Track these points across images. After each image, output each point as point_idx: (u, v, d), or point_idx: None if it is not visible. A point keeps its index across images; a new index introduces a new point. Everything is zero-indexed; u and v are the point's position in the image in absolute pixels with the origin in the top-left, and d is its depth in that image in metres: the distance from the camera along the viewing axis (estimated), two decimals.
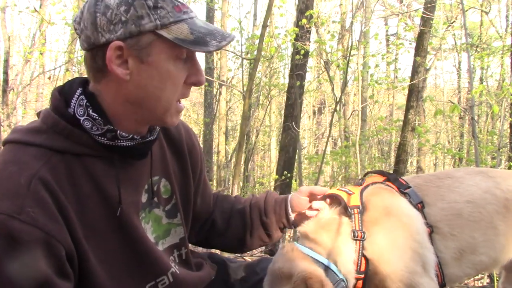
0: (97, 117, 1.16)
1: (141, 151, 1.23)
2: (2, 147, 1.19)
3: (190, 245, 1.49)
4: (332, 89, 7.24)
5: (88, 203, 1.14)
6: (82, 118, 1.16)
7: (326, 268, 1.39)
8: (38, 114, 1.23)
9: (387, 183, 1.57)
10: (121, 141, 1.18)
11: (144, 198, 1.29)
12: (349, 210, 1.47)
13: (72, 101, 1.17)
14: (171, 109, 1.20)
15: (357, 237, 1.43)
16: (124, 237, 1.20)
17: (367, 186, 1.56)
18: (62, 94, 1.19)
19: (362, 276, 1.44)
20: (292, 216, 1.61)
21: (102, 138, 1.16)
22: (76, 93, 1.19)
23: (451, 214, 1.54)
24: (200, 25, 1.16)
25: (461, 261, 1.54)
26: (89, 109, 1.16)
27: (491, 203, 1.58)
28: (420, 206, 1.53)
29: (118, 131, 1.16)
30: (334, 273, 1.40)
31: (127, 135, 1.18)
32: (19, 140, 1.14)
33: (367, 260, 1.44)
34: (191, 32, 1.14)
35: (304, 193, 1.61)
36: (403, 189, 1.54)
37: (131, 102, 1.17)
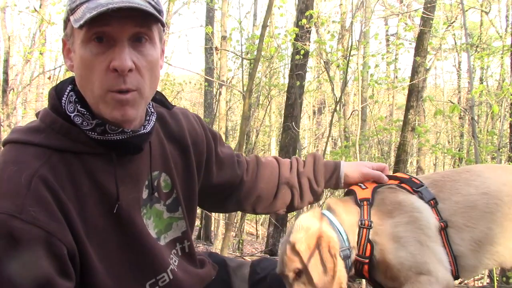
0: (85, 112, 1.16)
1: (134, 145, 1.22)
2: (2, 147, 1.19)
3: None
4: (332, 89, 7.22)
5: (88, 201, 1.14)
6: (72, 115, 1.16)
7: (338, 233, 1.50)
8: (37, 115, 1.23)
9: (402, 184, 1.63)
10: (111, 135, 1.17)
11: (145, 194, 1.29)
12: (359, 201, 1.56)
13: (63, 98, 1.18)
14: (106, 99, 1.13)
15: (364, 225, 1.51)
16: (123, 234, 1.20)
17: (382, 185, 1.63)
18: (57, 93, 1.21)
19: (367, 261, 1.50)
20: (342, 185, 1.69)
21: (93, 133, 1.16)
22: (67, 90, 1.20)
23: (465, 207, 1.56)
24: (100, 2, 1.08)
25: (479, 252, 1.56)
26: (77, 104, 1.17)
27: (509, 194, 1.58)
28: (433, 202, 1.57)
29: (107, 125, 1.16)
30: (343, 240, 1.50)
31: (116, 128, 1.17)
32: (19, 140, 1.15)
33: (372, 246, 1.50)
34: (83, 10, 1.09)
35: (363, 177, 1.67)
36: (416, 187, 1.59)
37: (82, 94, 1.18)
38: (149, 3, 1.13)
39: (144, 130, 1.23)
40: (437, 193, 1.59)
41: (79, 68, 1.14)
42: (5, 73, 9.57)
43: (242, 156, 1.68)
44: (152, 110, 1.31)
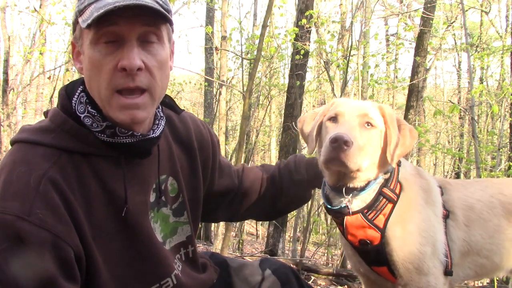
0: (95, 113, 1.15)
1: (144, 149, 1.22)
2: (10, 146, 1.19)
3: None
4: (332, 89, 7.21)
5: (95, 203, 1.14)
6: (82, 115, 1.16)
7: None
8: (45, 114, 1.22)
9: None
10: (121, 138, 1.17)
11: (152, 197, 1.28)
12: None
13: (73, 99, 1.18)
14: (111, 102, 1.13)
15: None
16: (130, 238, 1.19)
17: None
18: (67, 93, 1.20)
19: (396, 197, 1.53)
20: None
21: (103, 135, 1.15)
22: (78, 91, 1.19)
23: (465, 205, 1.62)
24: (107, 1, 1.07)
25: (465, 258, 1.59)
26: (88, 106, 1.16)
27: (497, 206, 1.65)
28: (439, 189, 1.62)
29: (117, 128, 1.16)
30: None
31: (126, 131, 1.16)
32: (28, 139, 1.14)
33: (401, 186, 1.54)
34: (90, 10, 1.09)
35: None
36: None
37: (91, 95, 1.18)
38: (157, 2, 1.12)
39: (154, 134, 1.23)
40: (442, 184, 1.64)
41: (87, 69, 1.14)
42: (5, 73, 9.57)
43: (233, 166, 1.71)
44: (162, 115, 1.31)
